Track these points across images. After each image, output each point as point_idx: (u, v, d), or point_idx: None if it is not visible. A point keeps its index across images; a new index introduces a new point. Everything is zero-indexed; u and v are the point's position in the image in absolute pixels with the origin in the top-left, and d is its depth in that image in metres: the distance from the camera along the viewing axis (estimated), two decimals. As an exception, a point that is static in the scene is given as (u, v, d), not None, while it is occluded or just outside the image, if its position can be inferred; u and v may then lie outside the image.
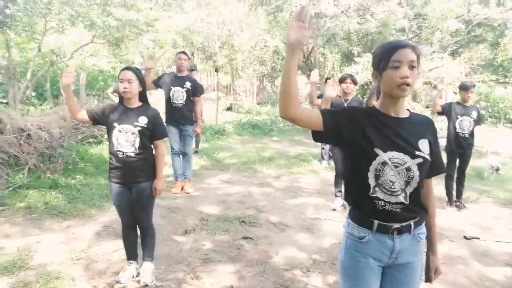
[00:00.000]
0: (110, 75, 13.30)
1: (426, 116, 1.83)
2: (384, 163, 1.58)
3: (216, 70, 14.52)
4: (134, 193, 3.00)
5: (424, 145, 1.64)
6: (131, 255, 3.18)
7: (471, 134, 4.96)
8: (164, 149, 3.13)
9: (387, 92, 1.64)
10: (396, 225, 1.63)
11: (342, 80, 5.92)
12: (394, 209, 1.61)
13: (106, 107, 3.07)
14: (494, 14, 15.90)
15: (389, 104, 1.65)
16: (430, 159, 1.64)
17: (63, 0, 9.47)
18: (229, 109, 15.26)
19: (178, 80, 5.37)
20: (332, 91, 3.00)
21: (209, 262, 3.45)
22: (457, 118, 4.95)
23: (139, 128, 2.92)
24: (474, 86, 5.07)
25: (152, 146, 3.06)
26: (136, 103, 3.01)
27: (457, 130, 4.95)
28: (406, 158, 1.59)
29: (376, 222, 1.63)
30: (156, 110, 3.21)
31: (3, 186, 4.84)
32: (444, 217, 4.90)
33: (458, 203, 5.13)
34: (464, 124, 4.92)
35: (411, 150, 1.60)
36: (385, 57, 1.58)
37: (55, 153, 6.07)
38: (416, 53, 1.58)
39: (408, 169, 1.59)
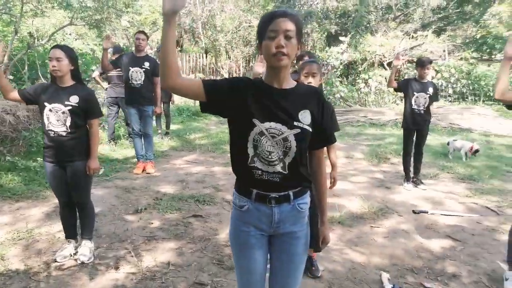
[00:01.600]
0: (91, 58, 13.08)
1: (313, 87, 1.81)
2: (261, 133, 1.59)
3: (206, 52, 14.28)
4: (69, 172, 3.02)
5: (305, 116, 1.63)
6: (70, 234, 3.21)
7: (427, 110, 4.96)
8: (98, 128, 3.13)
9: (267, 63, 1.63)
10: (274, 195, 1.65)
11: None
12: (272, 179, 1.62)
13: (38, 87, 3.06)
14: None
15: (272, 75, 1.64)
16: (311, 130, 1.64)
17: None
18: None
19: (137, 61, 5.31)
20: (260, 67, 2.98)
21: (152, 240, 3.49)
22: (413, 94, 4.94)
23: (70, 107, 2.91)
24: (431, 62, 5.05)
25: (87, 125, 3.06)
26: (68, 82, 2.98)
27: (412, 107, 4.95)
28: (284, 128, 1.59)
29: (254, 191, 1.66)
30: (90, 89, 3.20)
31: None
32: (398, 193, 4.97)
33: (415, 179, 5.18)
34: (419, 101, 4.92)
35: (289, 120, 1.60)
36: (263, 27, 1.57)
37: (20, 136, 6.04)
38: (294, 22, 1.56)
39: (285, 140, 1.59)
